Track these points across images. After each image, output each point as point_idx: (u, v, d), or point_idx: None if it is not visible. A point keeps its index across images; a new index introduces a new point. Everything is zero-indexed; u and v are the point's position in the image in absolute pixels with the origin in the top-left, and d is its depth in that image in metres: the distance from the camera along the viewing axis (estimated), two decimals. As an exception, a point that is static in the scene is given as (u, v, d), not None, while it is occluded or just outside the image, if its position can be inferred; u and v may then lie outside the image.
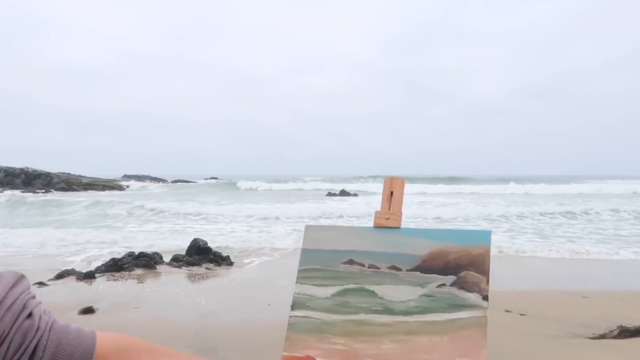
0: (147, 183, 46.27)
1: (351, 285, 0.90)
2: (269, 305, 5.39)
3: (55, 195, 28.50)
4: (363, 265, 0.91)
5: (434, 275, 0.85)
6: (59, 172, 40.99)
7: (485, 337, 0.77)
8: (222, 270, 7.90)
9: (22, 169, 39.30)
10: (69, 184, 37.69)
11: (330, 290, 0.91)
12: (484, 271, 0.82)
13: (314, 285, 0.93)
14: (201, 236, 9.58)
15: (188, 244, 8.82)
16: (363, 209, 18.07)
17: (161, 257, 8.51)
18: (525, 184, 35.33)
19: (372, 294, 0.88)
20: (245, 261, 8.59)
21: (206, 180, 49.27)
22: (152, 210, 18.54)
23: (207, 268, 7.96)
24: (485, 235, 0.84)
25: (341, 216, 16.30)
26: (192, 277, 7.28)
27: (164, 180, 50.63)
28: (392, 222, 0.90)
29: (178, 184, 46.78)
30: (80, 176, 42.26)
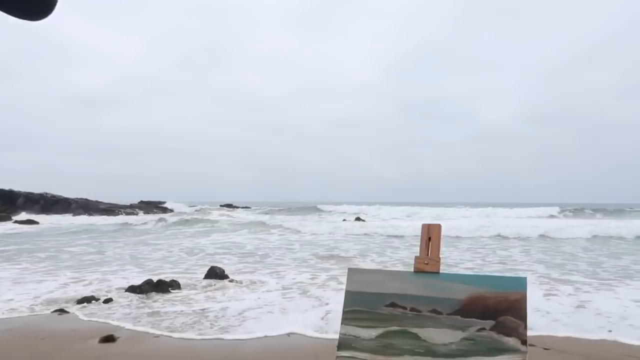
0: (189, 209, 46.44)
1: (394, 328, 0.95)
2: (288, 336, 5.40)
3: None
4: (405, 309, 0.96)
5: (473, 319, 0.90)
6: (77, 198, 41.73)
7: (526, 380, 0.82)
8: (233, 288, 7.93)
9: (41, 194, 40.11)
10: (87, 209, 38.29)
11: (374, 332, 0.96)
12: (522, 316, 0.86)
13: (359, 326, 0.98)
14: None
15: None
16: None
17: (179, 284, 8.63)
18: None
19: (415, 336, 0.93)
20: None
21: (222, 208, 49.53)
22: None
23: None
24: (521, 281, 0.89)
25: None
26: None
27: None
28: (432, 267, 0.96)
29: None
30: (97, 202, 42.91)
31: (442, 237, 0.99)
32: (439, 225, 1.00)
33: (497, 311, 0.88)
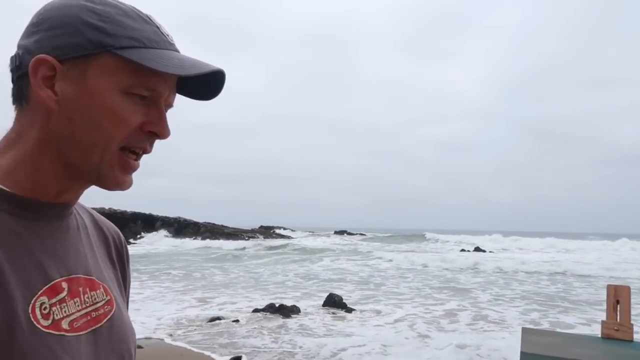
0: (304, 234, 47.99)
1: (581, 398, 0.88)
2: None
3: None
4: (593, 378, 0.89)
5: (682, 399, 0.81)
6: (205, 222, 45.46)
7: None
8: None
9: (175, 219, 44.39)
10: (213, 232, 41.47)
11: (557, 401, 0.90)
12: None
13: (538, 392, 0.93)
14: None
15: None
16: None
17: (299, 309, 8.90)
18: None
19: (608, 411, 0.85)
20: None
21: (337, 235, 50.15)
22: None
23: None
24: None
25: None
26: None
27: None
28: (623, 334, 0.88)
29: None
30: (222, 226, 46.28)
31: (631, 299, 0.90)
32: (628, 288, 0.92)
33: None
